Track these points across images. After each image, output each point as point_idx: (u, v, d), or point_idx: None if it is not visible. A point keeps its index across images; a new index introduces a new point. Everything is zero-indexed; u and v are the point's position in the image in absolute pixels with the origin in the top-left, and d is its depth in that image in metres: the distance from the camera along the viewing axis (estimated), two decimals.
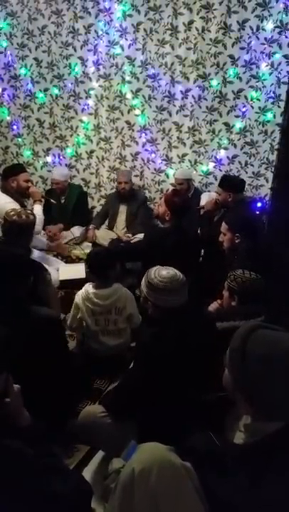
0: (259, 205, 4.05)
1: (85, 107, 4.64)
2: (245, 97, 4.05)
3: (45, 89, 4.68)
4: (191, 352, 1.86)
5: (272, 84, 3.91)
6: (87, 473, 2.06)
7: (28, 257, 2.84)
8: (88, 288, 2.77)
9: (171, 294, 1.95)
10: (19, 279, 2.11)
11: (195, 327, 1.97)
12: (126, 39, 4.26)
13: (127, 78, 4.38)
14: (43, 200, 3.82)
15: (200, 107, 4.23)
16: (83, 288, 2.80)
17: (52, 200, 4.05)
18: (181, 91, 4.25)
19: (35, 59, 4.59)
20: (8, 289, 2.04)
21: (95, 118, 4.65)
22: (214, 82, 4.10)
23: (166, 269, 2.03)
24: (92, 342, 2.75)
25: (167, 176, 4.61)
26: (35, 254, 3.87)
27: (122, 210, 4.52)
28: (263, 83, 3.95)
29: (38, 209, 3.64)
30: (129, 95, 4.43)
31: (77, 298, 2.77)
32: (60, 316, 2.82)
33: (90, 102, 4.60)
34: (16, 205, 3.38)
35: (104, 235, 4.42)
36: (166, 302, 1.95)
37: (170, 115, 4.38)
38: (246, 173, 4.24)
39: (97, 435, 2.00)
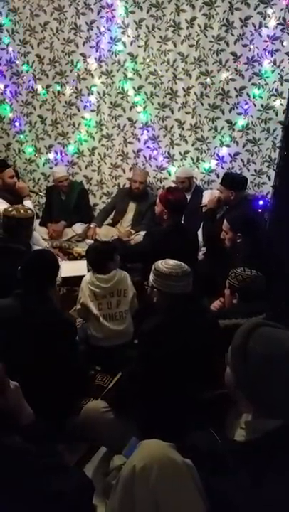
0: (261, 203, 4.05)
1: (87, 104, 4.63)
2: (248, 95, 4.04)
3: (48, 86, 4.67)
4: (194, 345, 1.87)
5: (275, 81, 3.90)
6: (89, 470, 2.07)
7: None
8: (91, 273, 2.88)
9: (176, 280, 2.01)
10: (48, 277, 2.21)
11: (199, 322, 1.98)
12: (128, 36, 4.25)
13: (129, 75, 4.37)
14: (31, 194, 3.73)
15: (202, 104, 4.22)
16: (88, 273, 2.92)
17: (40, 193, 3.96)
18: (183, 88, 4.23)
19: (38, 55, 4.58)
20: (41, 288, 2.15)
21: (97, 115, 4.65)
22: (216, 80, 4.09)
23: (173, 260, 2.12)
24: (94, 330, 2.79)
25: (169, 174, 4.60)
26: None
27: (131, 207, 4.50)
28: (265, 80, 3.94)
29: (28, 205, 3.54)
30: (131, 92, 4.43)
31: (82, 282, 2.87)
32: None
33: (92, 98, 4.59)
34: (6, 205, 3.30)
35: (105, 233, 4.42)
36: (172, 288, 2.01)
37: (172, 112, 4.37)
38: (248, 170, 4.24)
39: (99, 431, 2.01)
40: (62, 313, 2.30)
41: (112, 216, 4.63)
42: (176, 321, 1.96)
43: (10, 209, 2.91)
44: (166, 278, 2.03)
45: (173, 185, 4.52)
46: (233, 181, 3.71)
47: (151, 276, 2.11)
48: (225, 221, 3.03)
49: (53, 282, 2.28)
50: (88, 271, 3.09)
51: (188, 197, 4.26)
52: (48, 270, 2.23)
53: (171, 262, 2.10)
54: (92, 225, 4.51)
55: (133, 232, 4.33)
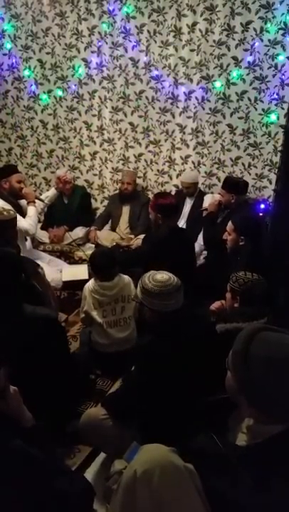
0: (262, 206, 4.05)
1: (89, 109, 4.64)
2: (249, 99, 4.05)
3: (49, 91, 4.69)
4: (190, 356, 1.86)
5: (276, 85, 3.91)
6: (89, 474, 2.06)
7: (19, 254, 2.84)
8: (94, 281, 2.82)
9: (166, 299, 1.94)
10: (13, 277, 2.06)
11: (193, 330, 1.96)
12: (129, 41, 4.26)
13: (131, 80, 4.38)
14: (37, 201, 3.71)
15: (203, 108, 4.23)
16: (90, 281, 2.85)
17: (44, 201, 3.93)
18: (184, 92, 4.25)
19: (39, 61, 4.60)
20: (2, 288, 2.01)
21: (99, 119, 4.66)
22: (218, 84, 4.10)
23: (161, 273, 2.03)
24: (98, 337, 2.77)
25: (170, 178, 4.61)
26: (41, 254, 3.89)
27: (125, 211, 4.53)
28: (266, 85, 3.95)
29: (32, 211, 3.54)
30: (132, 97, 4.44)
31: (85, 290, 2.83)
32: (57, 313, 2.82)
33: (94, 103, 4.60)
34: (10, 208, 3.30)
35: (106, 236, 4.43)
36: (162, 306, 1.95)
37: (173, 117, 4.39)
38: (249, 174, 4.24)
39: (99, 437, 2.00)
40: (36, 310, 2.10)
41: (109, 223, 4.65)
42: (170, 335, 1.92)
43: None
44: (155, 297, 1.94)
45: (174, 189, 4.53)
46: (234, 185, 3.72)
47: (140, 294, 2.02)
48: (229, 222, 3.01)
49: (18, 281, 2.11)
50: (89, 276, 3.07)
51: (192, 201, 4.28)
52: (9, 271, 2.08)
53: (158, 277, 1.99)
54: (92, 228, 4.52)
55: (133, 236, 4.33)
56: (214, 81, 4.10)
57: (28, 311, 2.03)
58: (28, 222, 3.46)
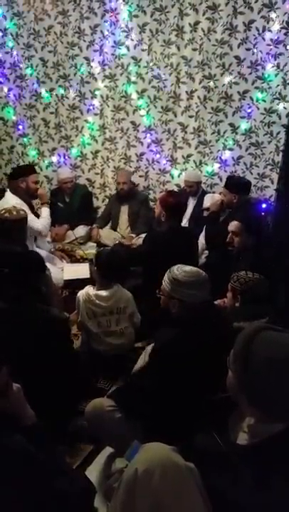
0: (264, 206, 4.04)
1: (91, 107, 4.65)
2: (251, 98, 4.04)
3: (51, 89, 4.69)
4: (211, 354, 1.83)
5: (278, 85, 3.91)
6: (91, 472, 2.06)
7: (25, 253, 2.84)
8: (89, 290, 2.73)
9: (197, 288, 1.93)
10: (25, 277, 2.13)
11: (215, 327, 1.93)
12: (132, 39, 4.27)
13: (133, 79, 4.38)
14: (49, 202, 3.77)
15: (205, 107, 4.23)
16: (84, 290, 2.76)
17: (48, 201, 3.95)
18: (186, 91, 4.24)
19: (41, 59, 4.61)
20: (18, 287, 2.08)
21: (100, 118, 4.66)
22: (220, 83, 4.09)
23: (188, 266, 2.03)
24: (95, 344, 2.73)
25: (172, 177, 4.61)
26: (42, 253, 3.91)
27: (124, 210, 4.54)
28: (268, 84, 3.94)
29: (45, 212, 3.64)
30: (134, 96, 4.44)
31: (78, 300, 2.73)
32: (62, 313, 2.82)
33: (96, 102, 4.61)
34: (25, 207, 3.33)
35: (108, 235, 4.43)
36: (193, 296, 1.93)
37: (175, 116, 4.38)
38: (251, 174, 4.24)
39: (103, 428, 1.98)
40: (50, 311, 2.16)
41: (110, 224, 4.65)
42: (196, 331, 1.87)
43: (2, 211, 2.92)
44: (188, 287, 1.93)
45: (176, 188, 4.53)
46: (236, 185, 3.71)
47: (169, 286, 1.99)
48: (235, 223, 2.99)
49: (38, 282, 2.20)
50: (91, 276, 3.03)
51: (195, 201, 4.28)
52: (30, 270, 2.17)
53: (187, 268, 1.97)
54: (94, 226, 4.54)
55: (134, 236, 4.33)
56: (216, 80, 4.09)
57: (42, 310, 2.08)
58: (41, 223, 3.55)
